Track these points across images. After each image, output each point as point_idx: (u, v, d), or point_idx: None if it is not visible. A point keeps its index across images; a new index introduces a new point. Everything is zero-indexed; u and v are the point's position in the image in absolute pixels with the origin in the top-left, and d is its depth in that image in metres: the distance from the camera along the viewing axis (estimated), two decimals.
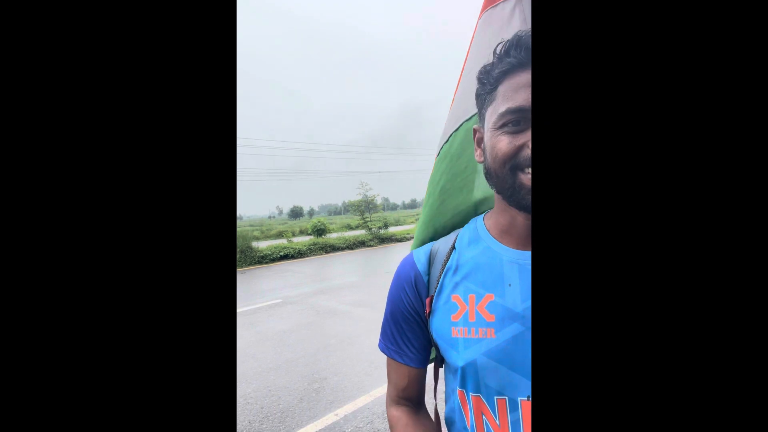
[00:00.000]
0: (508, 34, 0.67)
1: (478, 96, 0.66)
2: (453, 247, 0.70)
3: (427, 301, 0.69)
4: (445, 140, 0.91)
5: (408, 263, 0.74)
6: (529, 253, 0.63)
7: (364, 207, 21.40)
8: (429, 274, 0.70)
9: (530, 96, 0.56)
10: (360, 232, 19.94)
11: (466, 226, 0.74)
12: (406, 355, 0.73)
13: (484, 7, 0.88)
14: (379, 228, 19.85)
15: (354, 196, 23.62)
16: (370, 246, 16.89)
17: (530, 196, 0.57)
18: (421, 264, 0.72)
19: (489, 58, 0.64)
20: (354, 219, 22.67)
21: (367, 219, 20.41)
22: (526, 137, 0.56)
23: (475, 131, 0.69)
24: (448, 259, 0.69)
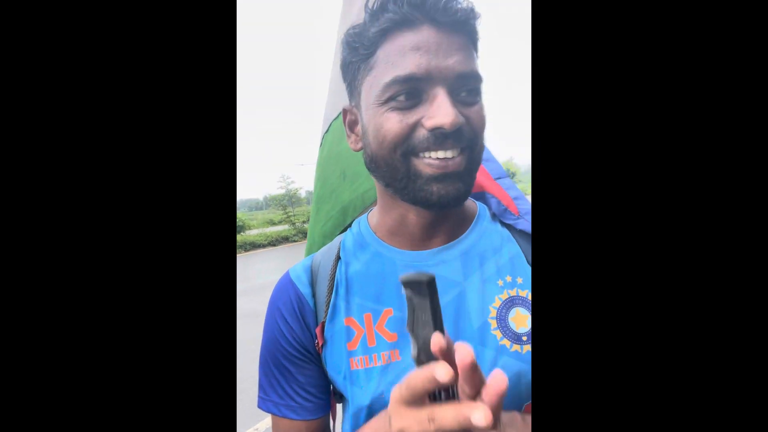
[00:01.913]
0: None
1: (347, 65, 0.53)
2: (338, 257, 0.57)
3: (317, 330, 0.54)
4: (325, 131, 0.83)
5: (285, 285, 0.58)
6: (426, 253, 0.53)
7: (287, 201, 20.77)
8: (314, 295, 0.56)
9: (423, 61, 0.46)
10: (283, 228, 19.29)
11: (348, 230, 0.60)
12: (302, 408, 0.55)
13: None
14: (303, 222, 19.39)
15: (276, 190, 22.92)
16: (294, 242, 16.37)
17: (431, 186, 0.47)
18: (302, 284, 0.57)
19: (360, 18, 0.51)
20: (277, 214, 21.92)
21: (290, 213, 19.84)
22: (421, 113, 0.46)
23: (344, 113, 0.56)
24: (334, 273, 0.56)
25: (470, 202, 0.61)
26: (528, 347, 0.51)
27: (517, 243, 0.56)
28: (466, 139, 0.48)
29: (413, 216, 0.53)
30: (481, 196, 0.64)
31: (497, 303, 0.52)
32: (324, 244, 0.64)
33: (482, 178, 0.64)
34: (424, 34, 0.46)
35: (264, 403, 0.58)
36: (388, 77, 0.47)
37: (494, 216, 0.59)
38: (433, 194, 0.48)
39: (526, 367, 0.50)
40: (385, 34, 0.48)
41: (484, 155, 0.58)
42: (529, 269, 0.54)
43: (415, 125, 0.47)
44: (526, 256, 0.55)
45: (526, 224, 0.57)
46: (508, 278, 0.54)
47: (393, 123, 0.47)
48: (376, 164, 0.51)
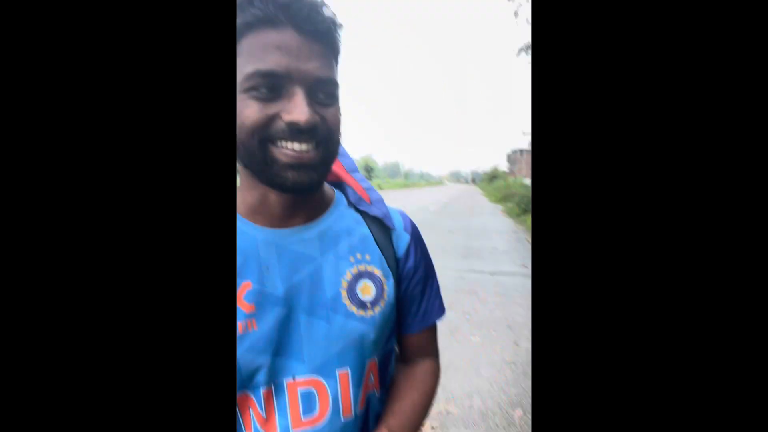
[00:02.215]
0: None
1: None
2: None
3: None
4: None
5: None
6: (287, 231, 0.59)
7: None
8: None
9: (284, 61, 0.49)
10: None
11: None
12: None
13: None
14: None
15: None
16: None
17: (286, 173, 0.51)
18: None
19: None
20: None
21: None
22: (279, 107, 0.50)
23: None
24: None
25: (329, 189, 0.66)
26: (371, 312, 0.60)
27: (367, 226, 0.64)
28: (321, 135, 0.52)
29: (274, 196, 0.57)
30: (340, 186, 0.71)
31: (348, 276, 0.60)
32: None
33: (340, 170, 0.70)
34: (287, 36, 0.49)
35: None
36: (249, 68, 0.49)
37: (350, 203, 0.66)
38: (288, 180, 0.52)
39: (370, 329, 0.59)
40: (249, 28, 0.50)
41: (340, 151, 0.64)
42: (376, 248, 0.63)
43: (274, 117, 0.50)
44: (375, 238, 0.64)
45: (377, 210, 0.66)
46: (359, 255, 0.62)
47: (252, 111, 0.49)
48: (240, 154, 0.53)
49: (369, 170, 68.57)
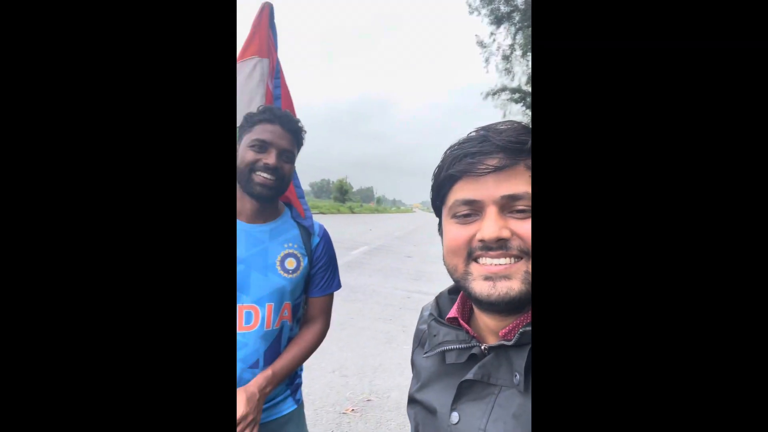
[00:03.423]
0: (251, 86, 1.30)
1: (245, 121, 1.08)
2: None
3: None
4: None
5: None
6: (255, 226, 1.08)
7: None
8: None
9: (273, 138, 1.03)
10: None
11: None
12: None
13: (238, 59, 1.32)
14: None
15: None
16: None
17: (260, 188, 1.01)
18: None
19: (248, 105, 1.25)
20: None
21: None
22: (263, 156, 1.01)
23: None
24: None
25: (281, 205, 1.18)
26: (291, 275, 1.08)
27: (298, 229, 1.15)
28: (279, 177, 1.04)
29: (249, 203, 1.07)
30: (290, 204, 1.26)
31: (282, 254, 1.09)
32: None
33: (292, 195, 1.24)
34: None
35: None
36: (255, 137, 1.04)
37: (293, 216, 1.18)
38: (255, 190, 1.03)
39: (287, 284, 1.07)
40: (259, 122, 1.07)
41: (295, 182, 1.23)
42: (301, 241, 1.13)
43: (258, 160, 1.01)
44: (301, 235, 1.14)
45: (306, 222, 1.18)
46: (289, 244, 1.11)
47: (250, 156, 1.02)
48: (238, 172, 1.05)
49: (343, 192, 69.70)
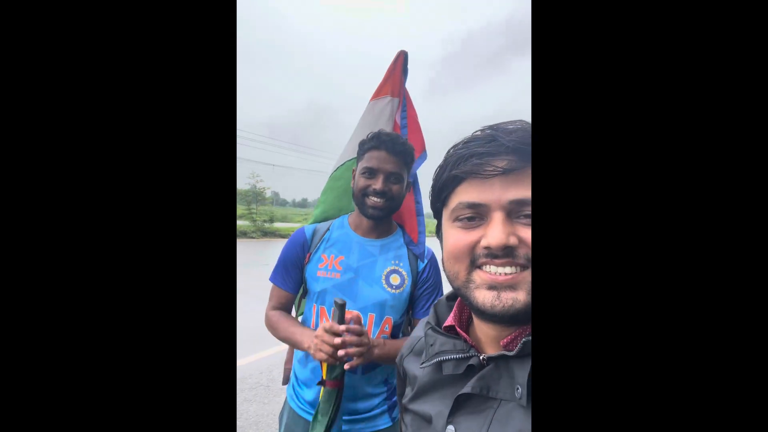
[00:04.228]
0: (382, 121, 1.45)
1: (359, 149, 1.19)
2: (328, 229, 1.25)
3: (307, 255, 1.22)
4: (336, 167, 1.51)
5: (300, 232, 1.27)
6: (369, 240, 1.20)
7: (252, 197, 20.43)
8: (311, 241, 1.24)
9: (380, 164, 1.12)
10: (243, 223, 18.99)
11: (339, 219, 1.30)
12: (287, 284, 1.24)
13: (372, 98, 1.56)
14: (264, 221, 19.14)
15: (242, 185, 22.55)
16: (252, 238, 16.15)
17: (372, 210, 1.12)
18: (308, 234, 1.25)
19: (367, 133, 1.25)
20: (239, 208, 21.52)
21: (253, 210, 19.54)
22: (372, 182, 1.11)
23: (353, 171, 1.24)
24: (323, 235, 1.24)
25: (394, 225, 1.28)
26: (394, 291, 1.14)
27: (407, 250, 1.23)
28: (389, 198, 1.13)
29: (365, 221, 1.19)
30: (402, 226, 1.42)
31: (388, 269, 1.17)
32: (317, 222, 1.34)
33: (409, 214, 1.36)
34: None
35: (273, 277, 1.25)
36: (363, 166, 1.16)
37: (404, 240, 1.27)
38: (368, 212, 1.14)
39: (390, 299, 1.14)
40: (368, 150, 1.16)
41: (417, 198, 1.38)
42: (407, 261, 1.20)
43: (369, 186, 1.12)
44: (408, 256, 1.21)
45: (417, 249, 1.27)
46: (396, 261, 1.20)
47: (362, 183, 1.13)
48: (354, 196, 1.17)
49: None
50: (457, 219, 0.50)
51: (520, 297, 0.45)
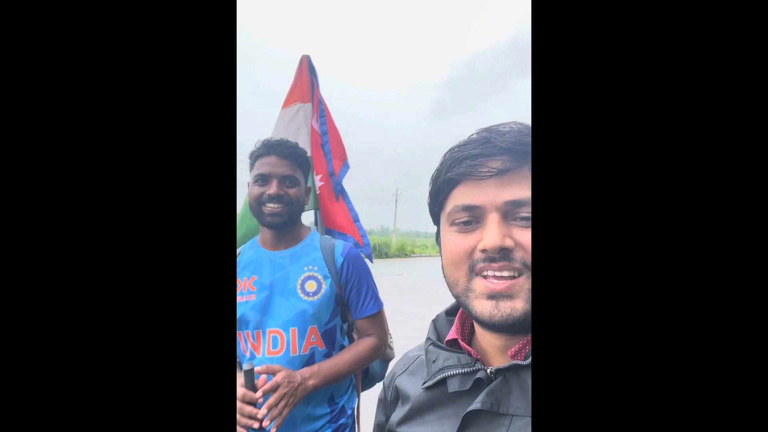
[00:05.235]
0: (294, 128, 1.51)
1: (250, 161, 1.15)
2: (239, 254, 1.20)
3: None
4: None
5: None
6: (277, 252, 1.14)
7: None
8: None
9: (271, 169, 1.09)
10: None
11: (249, 241, 1.24)
12: None
13: (282, 107, 1.58)
14: None
15: None
16: None
17: (270, 218, 1.08)
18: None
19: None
20: None
21: None
22: (266, 188, 1.07)
23: (248, 184, 1.16)
24: (236, 256, 1.19)
25: (305, 229, 1.21)
26: (311, 298, 1.09)
27: (320, 252, 1.15)
28: (286, 203, 1.08)
29: (269, 233, 1.14)
30: (343, 236, 1.47)
31: (302, 277, 1.11)
32: (240, 245, 1.29)
33: (346, 221, 1.44)
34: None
35: None
36: (258, 171, 1.12)
37: (322, 241, 1.20)
38: (267, 221, 1.09)
39: (309, 307, 1.08)
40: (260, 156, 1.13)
41: (349, 206, 1.48)
42: (323, 263, 1.13)
43: (263, 193, 1.07)
44: (323, 258, 1.14)
45: (364, 250, 1.34)
46: (309, 266, 1.12)
47: (256, 191, 1.08)
48: (252, 209, 1.12)
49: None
50: (453, 223, 0.50)
51: (518, 306, 0.44)
